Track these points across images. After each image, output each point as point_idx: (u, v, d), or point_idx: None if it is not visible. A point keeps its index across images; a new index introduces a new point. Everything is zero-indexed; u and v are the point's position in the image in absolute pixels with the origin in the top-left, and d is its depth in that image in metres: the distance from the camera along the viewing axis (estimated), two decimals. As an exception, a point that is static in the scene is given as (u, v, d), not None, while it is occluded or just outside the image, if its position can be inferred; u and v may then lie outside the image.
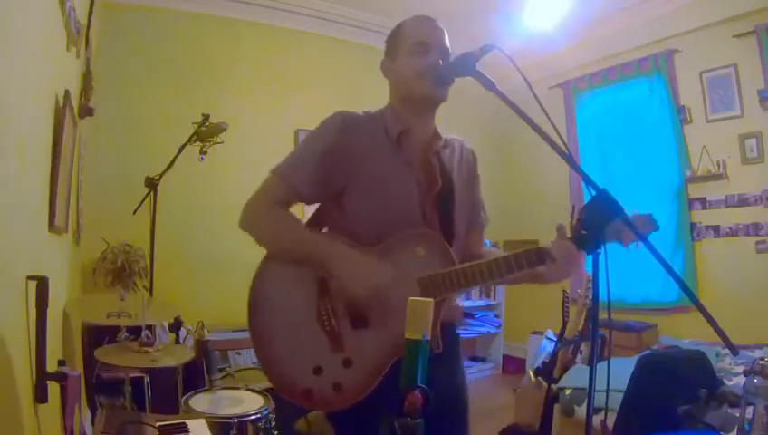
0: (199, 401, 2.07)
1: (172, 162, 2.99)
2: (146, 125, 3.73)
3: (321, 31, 4.53)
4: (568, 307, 3.31)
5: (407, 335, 0.84)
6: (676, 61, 4.16)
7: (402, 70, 1.36)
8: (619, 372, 2.38)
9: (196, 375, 2.52)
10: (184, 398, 2.09)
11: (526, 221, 5.02)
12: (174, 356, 2.07)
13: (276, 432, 2.02)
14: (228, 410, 2.01)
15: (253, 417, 1.96)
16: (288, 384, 1.28)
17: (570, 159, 1.13)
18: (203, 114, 3.07)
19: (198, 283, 3.79)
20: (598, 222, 1.03)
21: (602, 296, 0.99)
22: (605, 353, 2.74)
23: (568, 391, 2.90)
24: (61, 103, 1.79)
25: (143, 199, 3.04)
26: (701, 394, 2.24)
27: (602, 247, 1.02)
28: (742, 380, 2.00)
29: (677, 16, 4.06)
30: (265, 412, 2.00)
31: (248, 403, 2.07)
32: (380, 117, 1.39)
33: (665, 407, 2.26)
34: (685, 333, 3.67)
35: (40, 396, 1.22)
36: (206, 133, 3.06)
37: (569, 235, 1.21)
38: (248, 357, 3.46)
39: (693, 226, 4.06)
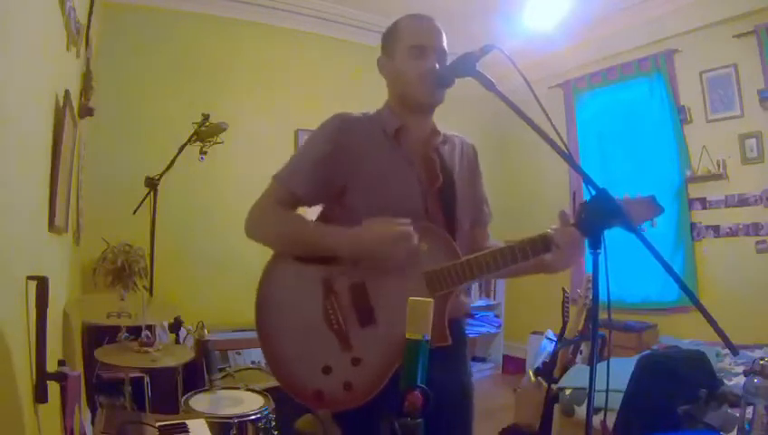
0: (199, 401, 2.07)
1: (172, 162, 2.99)
2: (146, 125, 3.73)
3: (321, 31, 4.53)
4: (568, 307, 3.31)
5: (407, 335, 0.84)
6: (676, 61, 4.16)
7: (401, 72, 1.36)
8: (619, 372, 2.38)
9: (196, 375, 2.53)
10: (184, 398, 2.09)
11: (526, 221, 5.00)
12: (174, 356, 2.07)
13: (276, 432, 2.02)
14: (228, 410, 2.01)
15: (253, 417, 1.96)
16: (299, 386, 1.28)
17: (570, 159, 1.13)
18: (203, 114, 3.07)
19: (198, 283, 3.78)
20: (597, 223, 1.03)
21: (602, 296, 0.99)
22: (605, 353, 2.74)
23: (568, 391, 2.90)
24: (61, 103, 1.79)
25: (143, 199, 3.04)
26: (701, 394, 2.24)
27: (602, 248, 1.02)
28: (742, 380, 2.00)
29: (677, 16, 4.06)
30: (265, 412, 2.00)
31: (248, 403, 2.07)
32: (378, 116, 1.40)
33: (665, 407, 2.26)
34: (685, 333, 3.67)
35: (40, 396, 1.22)
36: (206, 133, 3.07)
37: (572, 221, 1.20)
38: (248, 357, 3.46)
39: (693, 226, 4.06)
